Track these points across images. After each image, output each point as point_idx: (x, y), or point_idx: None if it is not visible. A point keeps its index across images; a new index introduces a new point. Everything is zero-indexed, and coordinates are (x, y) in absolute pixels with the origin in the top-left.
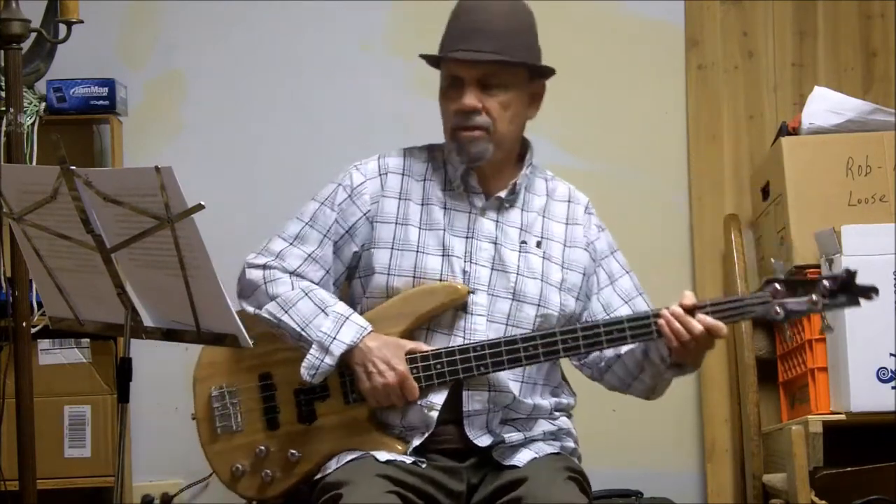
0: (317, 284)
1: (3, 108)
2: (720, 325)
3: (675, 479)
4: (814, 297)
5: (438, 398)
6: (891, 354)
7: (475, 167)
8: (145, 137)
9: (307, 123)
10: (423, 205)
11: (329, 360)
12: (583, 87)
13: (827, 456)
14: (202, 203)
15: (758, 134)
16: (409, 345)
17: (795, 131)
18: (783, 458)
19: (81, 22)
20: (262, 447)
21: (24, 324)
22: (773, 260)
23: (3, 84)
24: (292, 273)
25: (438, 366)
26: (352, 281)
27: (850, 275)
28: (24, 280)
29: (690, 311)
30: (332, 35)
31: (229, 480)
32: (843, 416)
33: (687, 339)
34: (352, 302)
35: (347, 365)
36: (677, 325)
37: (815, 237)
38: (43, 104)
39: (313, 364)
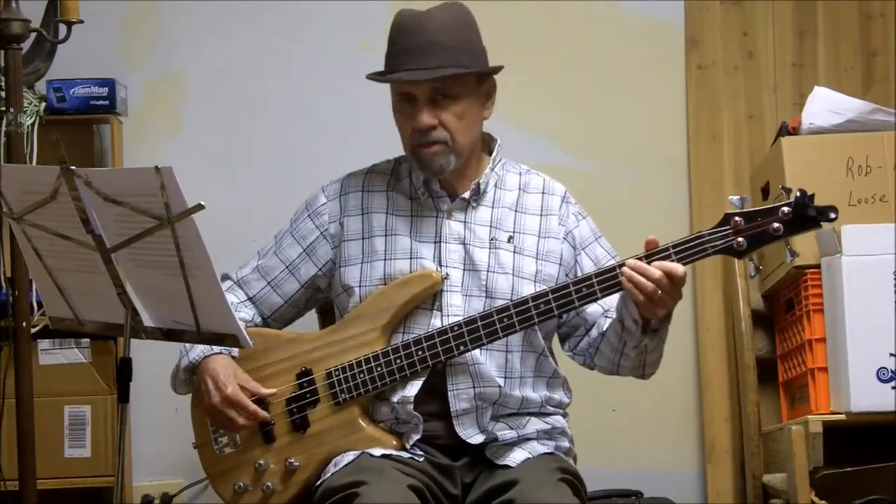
0: (254, 296)
1: (3, 108)
2: (677, 266)
3: (675, 479)
4: (775, 224)
5: (411, 391)
6: (891, 354)
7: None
8: (145, 137)
9: (307, 123)
10: (386, 214)
11: (182, 375)
12: (583, 87)
13: (827, 456)
14: (202, 203)
15: (758, 134)
16: (249, 383)
17: (795, 131)
18: (783, 458)
19: (81, 22)
20: (262, 461)
21: (24, 324)
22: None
23: (3, 84)
24: (237, 281)
25: (419, 352)
26: (331, 305)
27: (807, 196)
28: (24, 280)
29: (652, 257)
30: (332, 35)
31: (232, 498)
32: (843, 416)
33: (649, 288)
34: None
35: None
36: (637, 276)
37: (816, 237)
38: (43, 104)
39: (172, 374)
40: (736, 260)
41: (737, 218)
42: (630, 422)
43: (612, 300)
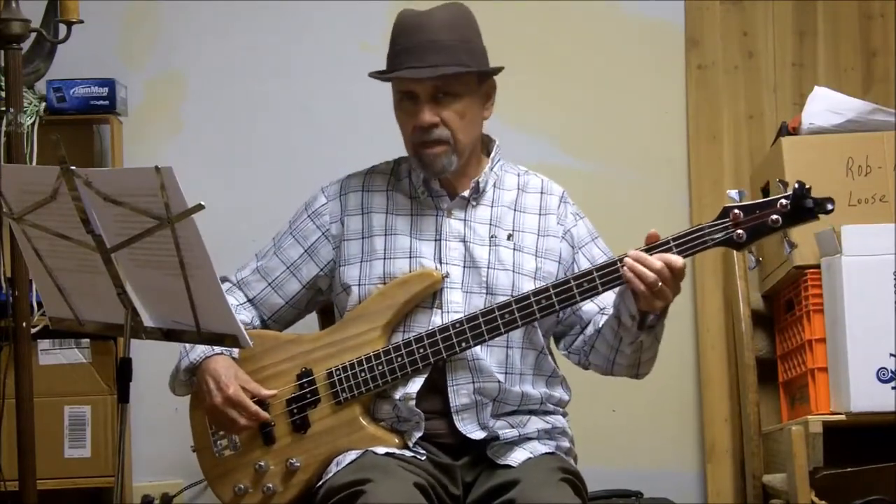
0: (254, 297)
1: (3, 108)
2: (677, 258)
3: (675, 479)
4: (773, 216)
5: (413, 387)
6: (891, 354)
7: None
8: (145, 137)
9: (307, 123)
10: (386, 213)
11: (182, 376)
12: (583, 87)
13: (827, 456)
14: (202, 203)
15: (758, 134)
16: (250, 384)
17: (795, 131)
18: (783, 458)
19: (81, 22)
20: (262, 462)
21: (24, 324)
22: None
23: (3, 84)
24: (237, 283)
25: (421, 349)
26: (331, 306)
27: (804, 188)
28: (24, 280)
29: (653, 249)
30: (332, 35)
31: (232, 500)
32: (843, 417)
33: (651, 278)
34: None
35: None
36: (639, 266)
37: (816, 237)
38: (43, 104)
39: (171, 375)
40: (735, 260)
41: (736, 211)
42: (630, 422)
43: (609, 298)
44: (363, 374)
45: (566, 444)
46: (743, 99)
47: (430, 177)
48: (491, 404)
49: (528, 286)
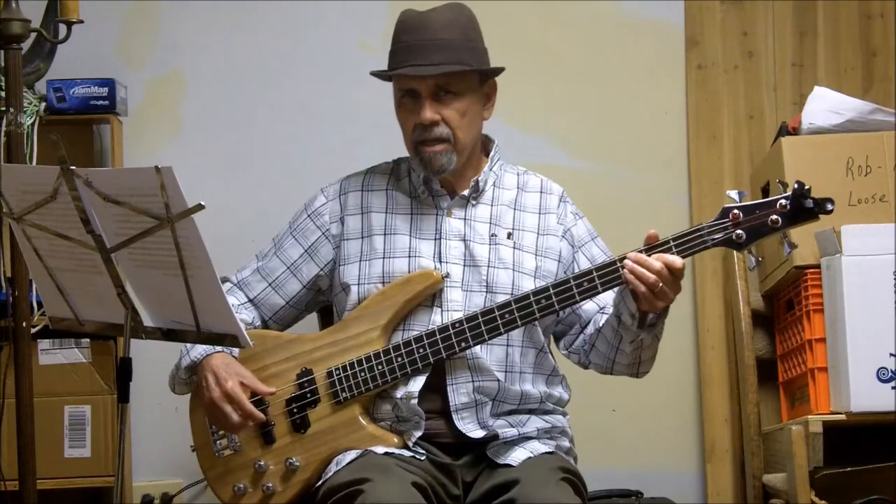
0: (255, 297)
1: (3, 108)
2: (676, 258)
3: (675, 479)
4: (773, 216)
5: (415, 386)
6: (891, 354)
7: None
8: (145, 137)
9: (307, 123)
10: (386, 213)
11: (182, 374)
12: (583, 87)
13: (827, 456)
14: (202, 203)
15: (758, 134)
16: (250, 379)
17: (795, 131)
18: (783, 458)
19: (81, 22)
20: (261, 462)
21: (24, 324)
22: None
23: (3, 84)
24: (237, 283)
25: (421, 349)
26: (331, 306)
27: (804, 189)
28: (24, 280)
29: (652, 250)
30: (332, 35)
31: (231, 500)
32: (843, 416)
33: (651, 279)
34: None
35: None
36: (639, 268)
37: (816, 237)
38: (43, 104)
39: (171, 374)
40: (735, 260)
41: (735, 211)
42: (630, 422)
43: (609, 297)
44: (363, 374)
45: (566, 443)
46: (743, 99)
47: (429, 175)
48: (490, 403)
49: (528, 284)
